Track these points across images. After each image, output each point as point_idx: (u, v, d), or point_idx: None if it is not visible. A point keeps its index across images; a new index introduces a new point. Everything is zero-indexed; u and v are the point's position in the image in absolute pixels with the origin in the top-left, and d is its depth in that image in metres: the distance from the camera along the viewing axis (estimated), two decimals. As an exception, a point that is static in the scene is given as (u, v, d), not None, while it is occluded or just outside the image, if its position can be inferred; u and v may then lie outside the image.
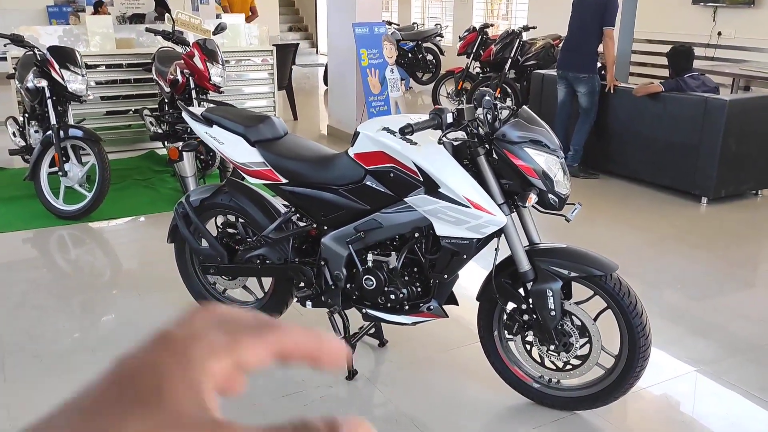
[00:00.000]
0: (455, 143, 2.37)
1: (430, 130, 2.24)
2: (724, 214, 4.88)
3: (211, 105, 4.49)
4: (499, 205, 2.29)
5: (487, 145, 2.29)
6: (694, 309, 3.44)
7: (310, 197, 2.60)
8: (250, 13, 9.04)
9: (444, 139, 2.25)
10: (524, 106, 2.37)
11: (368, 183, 2.47)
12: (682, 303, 3.51)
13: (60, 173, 4.57)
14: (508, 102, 7.66)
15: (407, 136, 2.29)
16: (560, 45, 7.86)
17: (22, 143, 5.18)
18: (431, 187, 2.31)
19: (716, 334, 3.16)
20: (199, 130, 2.76)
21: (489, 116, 2.30)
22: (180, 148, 2.98)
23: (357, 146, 2.48)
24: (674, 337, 3.14)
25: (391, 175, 2.40)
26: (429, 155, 2.31)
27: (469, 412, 2.56)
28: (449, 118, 2.21)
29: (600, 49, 5.57)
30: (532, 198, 2.23)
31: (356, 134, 2.49)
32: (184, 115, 2.82)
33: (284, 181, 2.63)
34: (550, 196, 2.27)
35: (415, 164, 2.33)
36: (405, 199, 2.39)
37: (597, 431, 2.46)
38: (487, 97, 2.33)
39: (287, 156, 2.62)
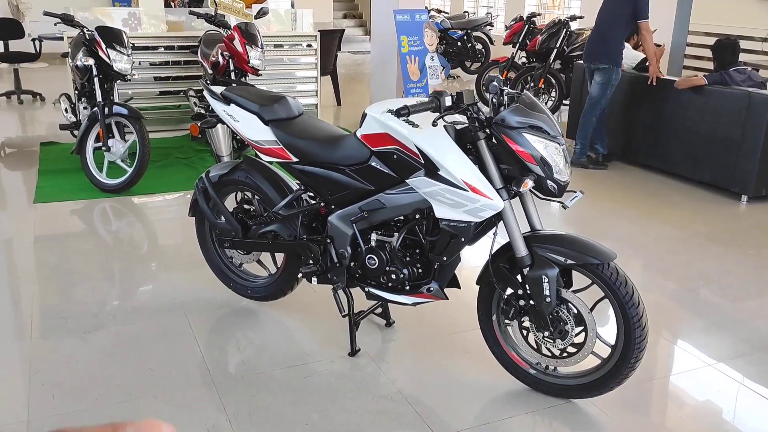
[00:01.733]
0: (458, 127, 2.39)
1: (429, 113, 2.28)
2: (763, 213, 4.72)
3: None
4: (497, 190, 2.30)
5: (487, 130, 2.31)
6: (714, 306, 3.36)
7: (319, 176, 2.67)
8: None
9: (442, 122, 2.28)
10: (526, 92, 2.37)
11: (373, 164, 2.52)
12: (702, 299, 3.44)
13: (104, 148, 4.80)
14: (553, 93, 7.54)
15: (407, 118, 2.33)
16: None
17: (73, 119, 5.45)
18: (431, 170, 2.35)
19: (733, 333, 3.09)
20: (218, 108, 2.87)
21: (495, 101, 2.33)
22: (200, 125, 3.11)
23: (364, 128, 2.53)
24: (687, 333, 3.08)
25: (395, 156, 2.45)
26: (430, 138, 2.34)
27: (465, 394, 2.59)
28: (447, 101, 2.23)
29: (636, 41, 5.46)
30: (528, 183, 2.24)
31: (364, 116, 2.54)
32: (205, 93, 2.94)
33: (295, 159, 2.71)
34: (548, 182, 2.27)
35: (416, 146, 2.36)
36: (407, 181, 2.43)
37: (590, 419, 2.46)
38: (494, 83, 2.35)
39: (298, 135, 2.70)
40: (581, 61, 6.41)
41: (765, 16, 7.30)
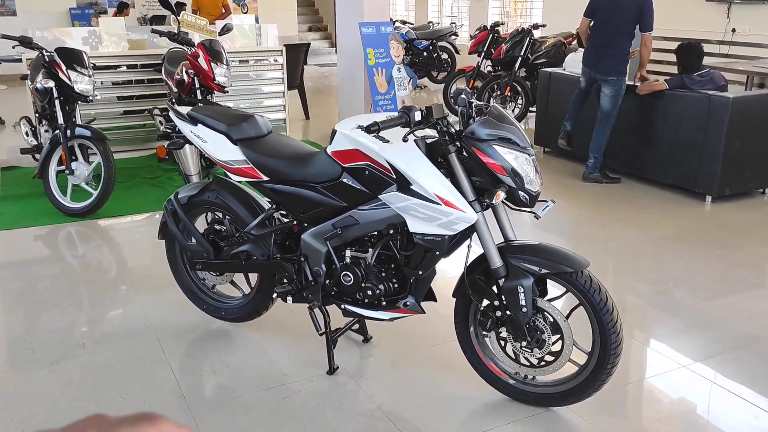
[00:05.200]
0: (428, 141, 2.40)
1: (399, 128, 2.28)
2: (728, 213, 4.82)
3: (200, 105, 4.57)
4: (470, 203, 2.31)
5: (458, 143, 2.31)
6: (685, 307, 3.41)
7: (290, 194, 2.64)
8: (223, 11, 8.92)
9: (412, 136, 2.28)
10: (494, 104, 2.39)
11: (345, 180, 2.51)
12: (673, 301, 3.49)
13: (67, 171, 4.70)
14: (519, 101, 7.63)
15: (378, 134, 2.33)
16: (572, 43, 7.85)
17: (35, 142, 5.33)
18: (403, 185, 2.34)
19: (705, 333, 3.14)
20: (185, 128, 2.83)
21: (464, 113, 2.34)
22: (167, 147, 3.07)
23: (334, 144, 2.52)
24: (660, 335, 3.12)
25: (366, 172, 2.44)
26: (401, 153, 2.34)
27: (445, 407, 2.58)
28: (417, 116, 2.23)
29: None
30: (501, 195, 2.25)
31: (334, 132, 2.53)
32: (171, 114, 2.90)
33: (265, 178, 2.68)
34: (520, 193, 2.28)
35: (388, 162, 2.36)
36: (379, 196, 2.42)
37: (569, 426, 2.46)
38: (462, 96, 2.36)
39: (268, 154, 2.68)
40: (546, 69, 6.50)
41: (719, 18, 7.50)
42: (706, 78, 5.09)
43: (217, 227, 3.02)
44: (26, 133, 5.41)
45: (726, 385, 2.73)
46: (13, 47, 4.85)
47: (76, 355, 2.93)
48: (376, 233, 2.57)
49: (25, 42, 4.68)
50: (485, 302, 2.48)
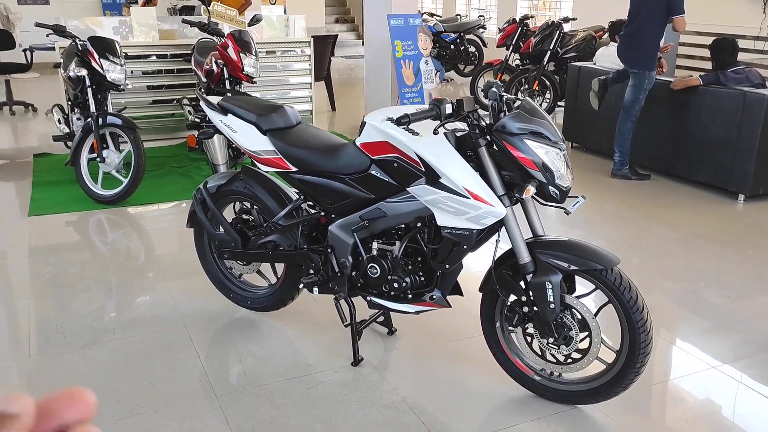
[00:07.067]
0: (458, 134, 2.38)
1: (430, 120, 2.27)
2: (761, 213, 4.72)
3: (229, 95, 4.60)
4: (499, 197, 2.29)
5: (488, 137, 2.29)
6: (715, 307, 3.36)
7: (318, 185, 2.65)
8: (244, 2, 8.87)
9: (442, 129, 2.27)
10: (526, 98, 2.36)
11: (373, 172, 2.51)
12: (703, 301, 3.43)
13: (98, 159, 4.77)
14: (547, 95, 7.56)
15: (408, 126, 2.32)
16: (603, 37, 7.74)
17: (67, 130, 5.42)
18: (432, 178, 2.33)
19: (736, 334, 3.08)
20: (215, 118, 2.85)
21: (495, 107, 2.32)
22: (197, 136, 3.09)
23: (363, 136, 2.52)
24: (689, 335, 3.08)
25: (395, 164, 2.43)
26: (430, 146, 2.33)
27: (470, 401, 2.58)
28: (448, 109, 2.22)
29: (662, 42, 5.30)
30: (531, 190, 2.23)
31: (363, 124, 2.53)
32: (202, 104, 2.92)
33: (294, 169, 2.69)
34: (550, 188, 2.25)
35: (417, 154, 2.35)
36: (407, 189, 2.42)
37: (595, 425, 2.44)
38: (493, 89, 2.34)
39: (297, 145, 2.69)
40: (575, 64, 6.42)
41: (755, 14, 7.34)
42: (742, 76, 4.98)
43: (245, 217, 3.04)
44: (58, 121, 5.49)
45: (755, 387, 2.68)
46: (47, 35, 4.92)
47: (106, 340, 2.98)
48: (403, 226, 2.57)
49: (59, 30, 4.74)
50: (512, 297, 2.46)
